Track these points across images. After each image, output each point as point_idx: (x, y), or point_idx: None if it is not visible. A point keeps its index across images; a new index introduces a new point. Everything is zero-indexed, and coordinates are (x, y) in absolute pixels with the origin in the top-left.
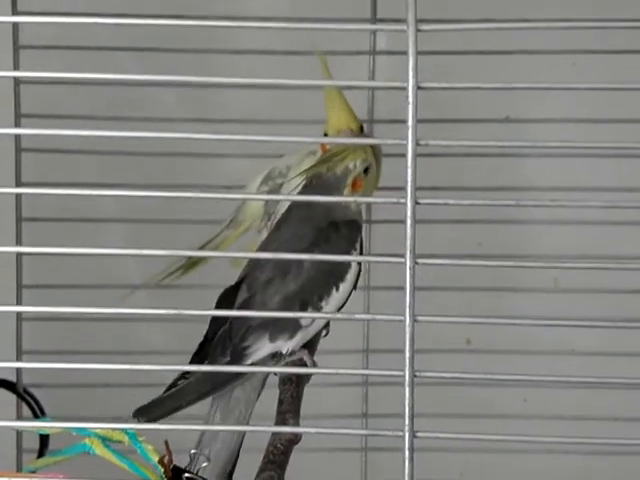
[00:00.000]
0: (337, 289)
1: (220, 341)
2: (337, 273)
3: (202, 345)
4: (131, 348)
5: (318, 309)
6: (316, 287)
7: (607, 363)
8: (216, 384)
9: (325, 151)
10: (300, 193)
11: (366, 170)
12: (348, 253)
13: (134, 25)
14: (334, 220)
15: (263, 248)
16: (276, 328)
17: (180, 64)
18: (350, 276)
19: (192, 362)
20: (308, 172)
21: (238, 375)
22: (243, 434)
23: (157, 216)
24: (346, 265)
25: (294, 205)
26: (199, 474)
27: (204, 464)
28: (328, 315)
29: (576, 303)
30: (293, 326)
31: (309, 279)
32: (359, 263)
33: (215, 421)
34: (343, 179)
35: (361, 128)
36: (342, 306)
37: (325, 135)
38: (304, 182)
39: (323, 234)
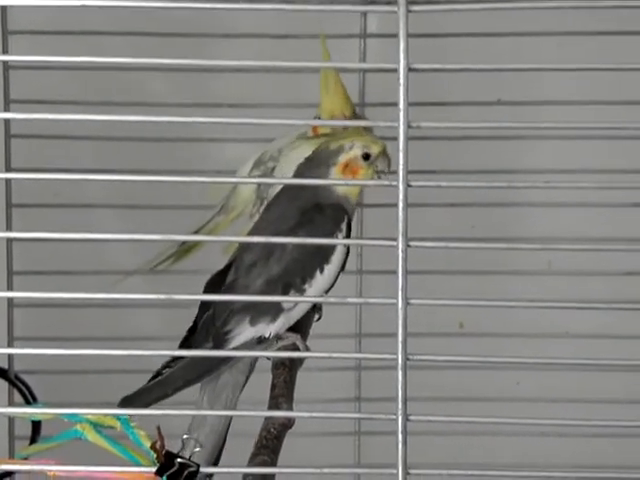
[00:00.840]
0: (322, 271)
1: (204, 326)
2: (321, 255)
3: (190, 331)
4: (123, 334)
5: (301, 292)
6: (299, 270)
7: (601, 346)
8: (202, 371)
9: (317, 134)
10: (295, 170)
11: (367, 157)
12: (333, 235)
13: (125, 8)
14: (319, 202)
15: (254, 230)
16: (257, 312)
17: (172, 48)
18: (335, 258)
19: (180, 349)
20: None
21: (222, 361)
22: (230, 418)
23: (149, 201)
24: (331, 247)
25: (282, 190)
26: (191, 459)
27: (196, 449)
28: (320, 299)
29: (570, 286)
30: (275, 309)
31: (292, 261)
32: (346, 247)
33: (203, 406)
34: (334, 156)
35: (354, 114)
36: (329, 288)
37: (317, 119)
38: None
39: (307, 215)
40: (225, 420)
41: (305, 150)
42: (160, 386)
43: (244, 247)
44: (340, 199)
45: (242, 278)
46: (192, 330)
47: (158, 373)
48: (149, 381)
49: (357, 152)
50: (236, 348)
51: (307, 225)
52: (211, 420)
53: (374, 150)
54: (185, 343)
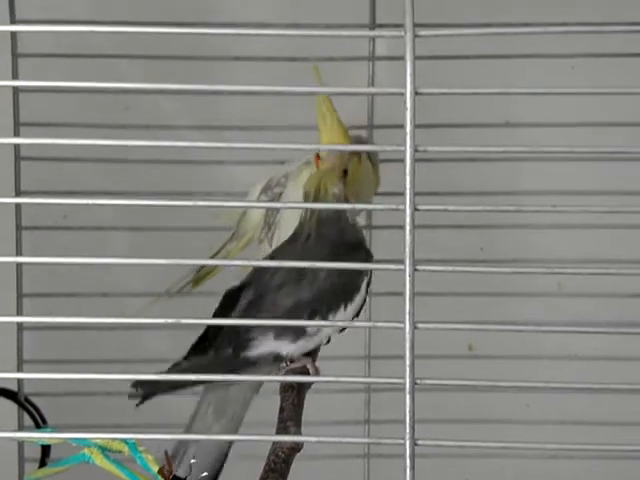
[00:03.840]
0: (345, 308)
1: (227, 332)
2: (347, 293)
3: (201, 339)
4: (133, 356)
5: (326, 319)
6: (327, 300)
7: (610, 368)
8: (219, 372)
9: (318, 165)
10: (306, 234)
11: (345, 173)
12: (360, 277)
13: (133, 33)
14: (346, 241)
15: (272, 259)
16: (282, 328)
17: (179, 72)
18: (358, 299)
19: (190, 354)
20: (307, 218)
21: (240, 368)
22: (234, 433)
23: (157, 224)
24: (356, 288)
25: (305, 236)
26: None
27: (204, 474)
28: (329, 323)
29: (579, 307)
30: (299, 331)
31: (322, 291)
32: (367, 290)
33: (208, 417)
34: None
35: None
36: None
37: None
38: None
39: (341, 250)
40: (230, 434)
41: None
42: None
43: (264, 270)
44: (362, 237)
45: (270, 294)
46: (204, 337)
47: (175, 365)
48: (166, 371)
49: (341, 191)
50: (253, 360)
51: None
52: (215, 432)
53: (349, 166)
54: (196, 349)
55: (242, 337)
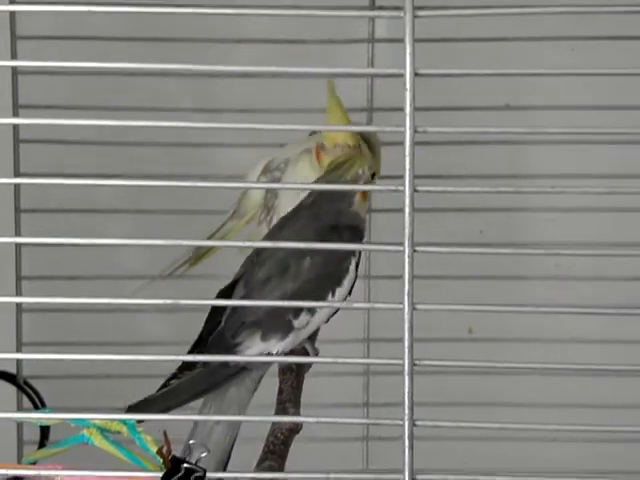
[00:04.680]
0: (333, 294)
1: (215, 339)
2: (335, 277)
3: (196, 344)
4: (131, 339)
5: (312, 313)
6: (313, 290)
7: (609, 350)
8: (210, 384)
9: (319, 155)
10: (311, 200)
11: (373, 176)
12: (348, 259)
13: (132, 13)
14: (337, 224)
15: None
16: (268, 327)
17: (179, 53)
18: (347, 281)
19: (186, 363)
20: (318, 181)
21: (232, 375)
22: (235, 436)
23: (157, 206)
24: (344, 271)
25: (305, 205)
26: (198, 464)
27: (203, 454)
28: (326, 303)
29: (578, 290)
30: (286, 327)
31: (307, 281)
32: (356, 270)
33: (208, 422)
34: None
35: (358, 144)
36: (336, 311)
37: (322, 147)
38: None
39: (325, 237)
40: (231, 436)
41: (308, 167)
42: (166, 397)
43: (254, 262)
44: (357, 219)
45: (256, 291)
46: (197, 343)
47: (165, 384)
48: (157, 391)
49: (368, 175)
50: (243, 365)
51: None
52: (216, 437)
53: (376, 167)
54: (191, 354)
55: (229, 343)
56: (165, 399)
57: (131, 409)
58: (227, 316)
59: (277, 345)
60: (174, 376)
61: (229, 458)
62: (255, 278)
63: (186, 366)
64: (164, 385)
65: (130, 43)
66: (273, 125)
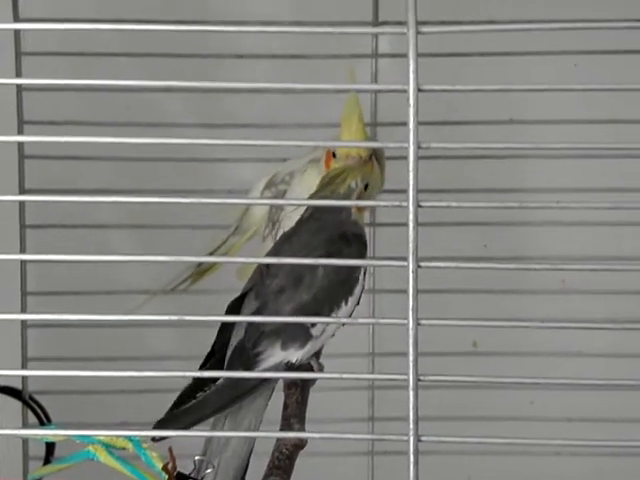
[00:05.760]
0: (346, 303)
1: (236, 351)
2: (347, 286)
3: (208, 357)
4: (137, 354)
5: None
6: (328, 299)
7: (614, 365)
8: (234, 397)
9: (329, 161)
10: (308, 214)
11: (366, 187)
12: (357, 269)
13: (136, 31)
14: (345, 232)
15: (274, 256)
16: (288, 336)
17: (183, 69)
18: (357, 291)
19: (193, 388)
20: (312, 197)
21: (255, 387)
22: (253, 444)
23: (161, 222)
24: (355, 280)
25: (305, 219)
26: None
27: (208, 470)
28: (332, 319)
29: (583, 304)
30: (304, 336)
31: (322, 290)
32: (364, 278)
33: (225, 431)
34: (347, 199)
35: (370, 156)
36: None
37: (333, 156)
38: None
39: (335, 246)
40: (248, 445)
41: (316, 177)
42: (194, 411)
43: (264, 273)
44: (359, 227)
45: (271, 302)
46: (209, 357)
47: (189, 396)
48: (175, 404)
49: (361, 186)
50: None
51: (335, 256)
52: (234, 445)
53: (369, 177)
54: (203, 368)
55: (250, 354)
56: (194, 413)
57: (161, 422)
58: (247, 327)
59: (296, 354)
60: (190, 391)
61: (247, 467)
62: (268, 290)
63: (201, 381)
64: (180, 401)
65: (134, 59)
66: (277, 141)
